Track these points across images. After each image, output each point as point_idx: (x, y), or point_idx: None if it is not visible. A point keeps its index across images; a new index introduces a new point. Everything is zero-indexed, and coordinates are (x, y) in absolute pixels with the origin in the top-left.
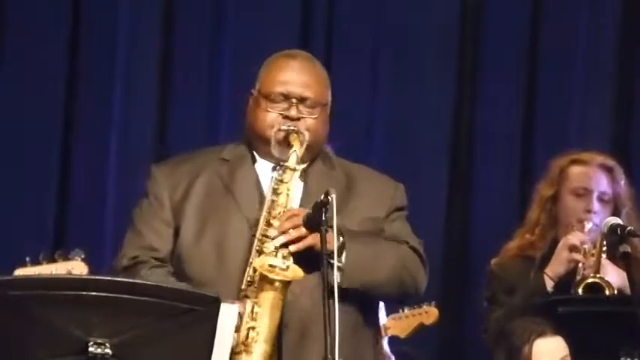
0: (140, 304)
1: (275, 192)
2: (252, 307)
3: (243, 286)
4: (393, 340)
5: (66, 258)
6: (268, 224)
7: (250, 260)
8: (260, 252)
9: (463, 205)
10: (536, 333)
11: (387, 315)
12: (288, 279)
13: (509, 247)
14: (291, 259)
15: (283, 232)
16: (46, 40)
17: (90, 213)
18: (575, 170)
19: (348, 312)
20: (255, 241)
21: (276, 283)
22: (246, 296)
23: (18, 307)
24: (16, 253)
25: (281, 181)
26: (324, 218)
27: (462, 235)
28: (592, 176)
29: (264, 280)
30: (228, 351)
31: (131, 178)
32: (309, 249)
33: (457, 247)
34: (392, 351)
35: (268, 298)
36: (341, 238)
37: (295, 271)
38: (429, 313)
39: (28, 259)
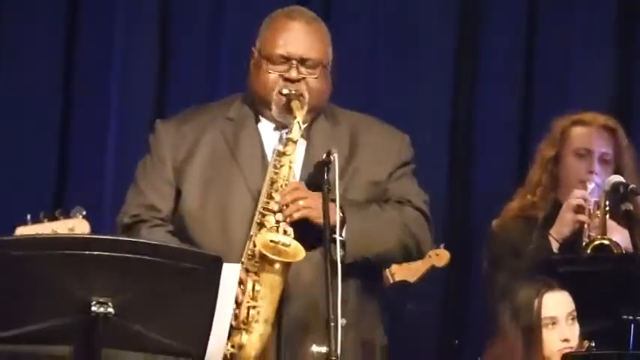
0: (142, 263)
1: (277, 165)
2: (253, 286)
3: (243, 259)
4: (401, 287)
5: (67, 215)
6: (270, 197)
7: (251, 233)
8: (261, 225)
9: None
10: (545, 287)
11: None
12: (288, 260)
13: (509, 207)
14: (293, 233)
15: (284, 206)
16: (42, 43)
17: (89, 186)
18: (577, 131)
19: (351, 278)
20: (257, 214)
21: (277, 265)
22: (247, 270)
23: (20, 268)
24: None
25: (283, 153)
26: (325, 178)
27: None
28: (593, 137)
29: (265, 260)
30: (231, 310)
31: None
32: (307, 221)
33: (460, 212)
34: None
35: (269, 277)
36: (340, 214)
37: (296, 251)
38: (440, 256)
39: (28, 217)
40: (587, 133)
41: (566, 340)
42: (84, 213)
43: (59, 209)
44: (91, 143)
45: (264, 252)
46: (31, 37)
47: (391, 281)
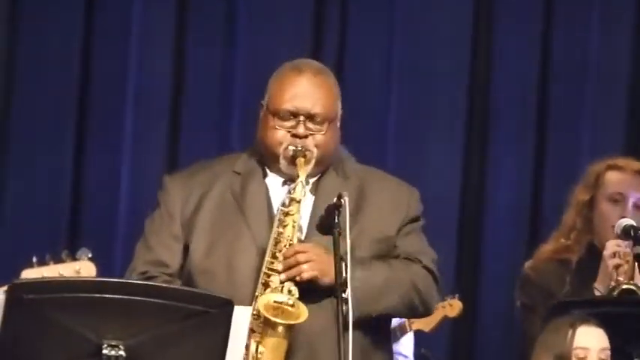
0: (153, 306)
1: (281, 224)
2: (257, 348)
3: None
4: (418, 335)
5: (73, 258)
6: (274, 257)
7: (256, 294)
8: (266, 285)
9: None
10: (581, 319)
11: None
12: (291, 322)
13: (543, 249)
14: (297, 293)
15: (287, 268)
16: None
17: (103, 214)
18: (611, 176)
19: (356, 335)
20: (261, 275)
21: (280, 328)
22: (252, 330)
23: (33, 310)
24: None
25: (287, 213)
26: (336, 221)
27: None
28: (628, 182)
29: (268, 323)
30: (242, 353)
31: (144, 180)
32: (311, 282)
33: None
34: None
35: (272, 340)
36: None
37: (300, 312)
38: (453, 306)
39: (35, 259)
40: (621, 179)
41: None
42: (90, 255)
43: (65, 251)
44: (104, 182)
45: (267, 315)
46: (45, 69)
47: (408, 330)
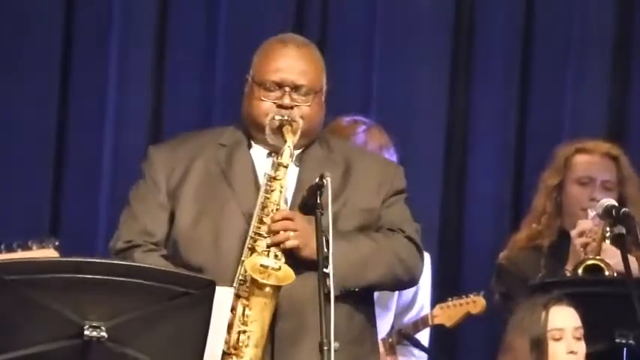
0: (135, 287)
1: (268, 189)
2: (244, 310)
3: (235, 284)
4: (439, 329)
5: (40, 246)
6: (261, 222)
7: (242, 258)
8: (252, 249)
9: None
10: (554, 300)
11: (434, 304)
12: (278, 284)
13: (516, 238)
14: (283, 258)
15: (273, 233)
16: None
17: (84, 202)
18: (580, 159)
19: (341, 302)
20: (248, 239)
21: (267, 288)
22: (238, 295)
23: (13, 292)
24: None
25: (274, 178)
26: (319, 201)
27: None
28: (596, 165)
29: (255, 284)
30: (224, 334)
31: (125, 163)
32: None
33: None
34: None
35: (259, 301)
36: (325, 250)
37: (286, 274)
38: (476, 303)
39: (2, 246)
40: (589, 161)
41: (572, 353)
42: (56, 243)
43: (32, 239)
44: (85, 165)
45: (254, 275)
46: (27, 53)
47: (430, 323)
